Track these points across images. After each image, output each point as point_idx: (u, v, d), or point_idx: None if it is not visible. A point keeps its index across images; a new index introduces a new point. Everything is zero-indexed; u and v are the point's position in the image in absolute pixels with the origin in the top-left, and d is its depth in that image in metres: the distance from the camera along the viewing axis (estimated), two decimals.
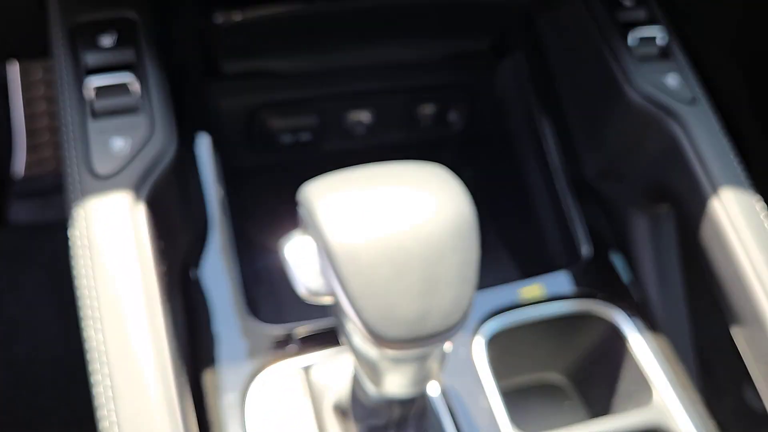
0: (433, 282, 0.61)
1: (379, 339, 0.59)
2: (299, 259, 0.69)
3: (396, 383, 0.70)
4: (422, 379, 0.71)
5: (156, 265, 0.82)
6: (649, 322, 1.10)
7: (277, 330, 0.98)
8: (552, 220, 1.23)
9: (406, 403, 0.77)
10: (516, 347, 1.09)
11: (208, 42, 1.09)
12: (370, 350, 0.64)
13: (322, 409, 0.91)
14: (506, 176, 1.33)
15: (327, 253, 0.62)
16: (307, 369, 0.94)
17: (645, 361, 1.06)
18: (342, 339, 0.70)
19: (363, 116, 1.28)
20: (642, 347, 1.07)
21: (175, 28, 1.05)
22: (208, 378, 0.92)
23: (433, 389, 0.95)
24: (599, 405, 1.13)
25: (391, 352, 0.63)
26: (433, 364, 0.69)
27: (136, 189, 0.84)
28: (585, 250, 1.16)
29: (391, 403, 0.76)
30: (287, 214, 0.75)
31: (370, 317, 0.60)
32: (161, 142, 0.88)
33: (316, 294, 0.68)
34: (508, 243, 1.38)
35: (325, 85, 1.23)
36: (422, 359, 0.67)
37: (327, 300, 0.67)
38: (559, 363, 1.17)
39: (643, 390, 1.06)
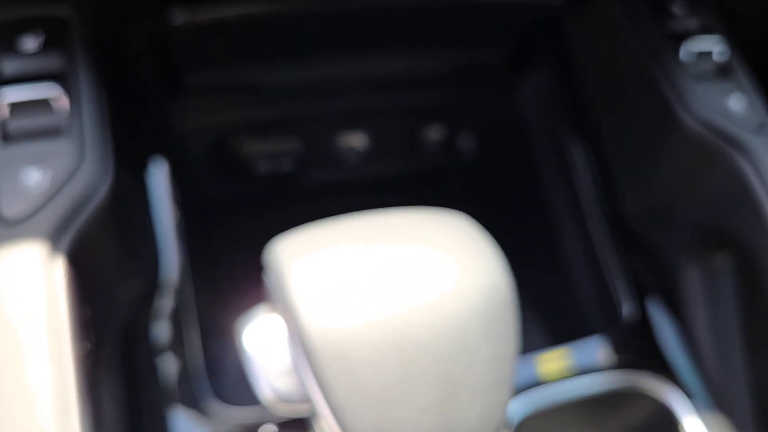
0: (454, 387, 0.44)
1: None
2: (262, 349, 0.49)
3: None
4: None
5: (75, 344, 0.61)
6: (707, 401, 0.91)
7: (246, 413, 0.78)
8: (585, 271, 1.04)
9: None
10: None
11: (167, 48, 0.88)
12: None
13: None
14: (528, 216, 1.16)
15: (302, 343, 0.43)
16: None
17: None
18: None
19: (356, 141, 1.08)
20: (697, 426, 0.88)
21: (125, 31, 0.85)
22: None
23: None
24: None
25: None
26: None
27: (54, 238, 0.64)
28: (626, 309, 0.97)
29: None
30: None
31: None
32: (91, 176, 0.67)
33: (286, 400, 0.49)
34: (531, 300, 1.17)
35: (310, 102, 1.03)
36: None
37: (300, 409, 0.48)
38: None
39: None
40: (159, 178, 0.88)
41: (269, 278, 0.49)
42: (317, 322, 0.44)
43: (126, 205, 0.77)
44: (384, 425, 0.43)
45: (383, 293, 0.45)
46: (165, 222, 0.86)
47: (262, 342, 0.50)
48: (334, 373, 0.43)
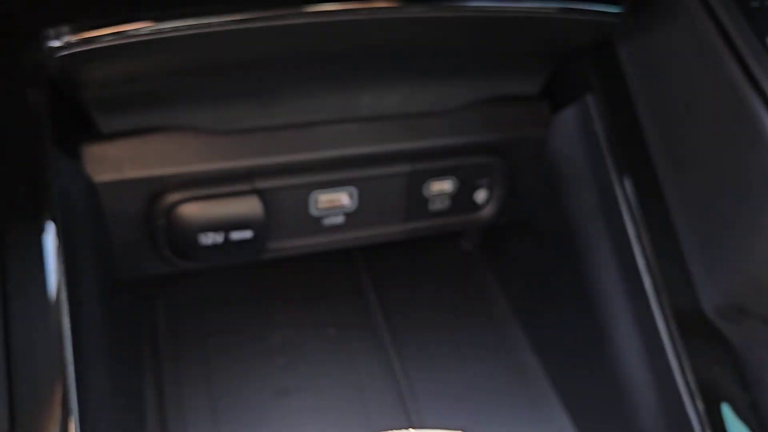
0: None
1: None
2: None
3: None
4: None
5: None
6: None
7: None
8: (640, 368, 0.77)
9: None
10: None
11: (55, 83, 0.61)
12: None
13: None
14: (564, 292, 0.86)
15: None
16: None
17: None
18: None
19: (339, 199, 0.80)
20: None
21: None
22: None
23: None
24: None
25: None
26: None
27: None
28: (694, 415, 0.69)
29: None
30: None
31: None
32: None
33: None
34: (571, 400, 0.91)
35: (274, 147, 0.76)
36: None
37: None
38: None
39: None
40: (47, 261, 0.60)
41: None
42: None
43: None
44: None
45: None
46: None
47: None
48: None
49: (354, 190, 0.81)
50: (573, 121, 0.83)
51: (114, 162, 0.71)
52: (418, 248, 1.16)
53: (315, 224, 0.81)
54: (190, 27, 0.56)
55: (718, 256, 0.71)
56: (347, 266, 1.10)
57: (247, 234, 0.76)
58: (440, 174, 0.83)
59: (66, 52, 0.54)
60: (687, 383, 0.71)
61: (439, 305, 1.06)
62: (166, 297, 1.00)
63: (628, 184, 0.77)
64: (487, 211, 0.89)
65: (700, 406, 0.71)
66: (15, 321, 0.53)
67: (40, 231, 0.57)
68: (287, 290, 1.04)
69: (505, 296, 1.07)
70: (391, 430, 0.39)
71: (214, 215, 0.74)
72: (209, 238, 0.75)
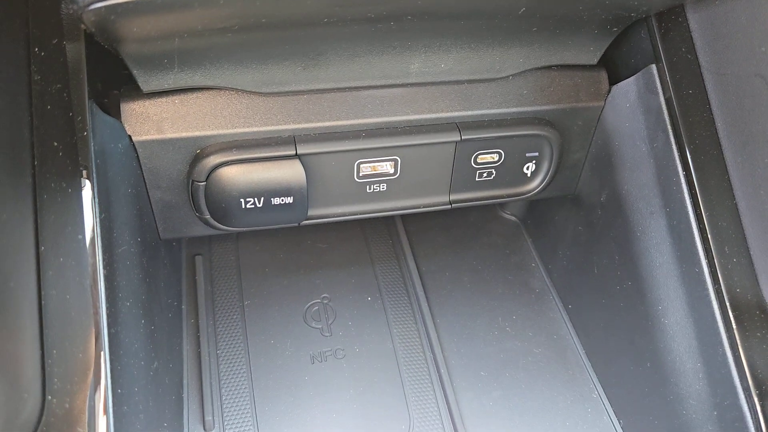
0: None
1: None
2: None
3: None
4: None
5: None
6: None
7: None
8: (690, 356, 0.74)
9: None
10: None
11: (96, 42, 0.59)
12: None
13: None
14: (610, 272, 0.83)
15: None
16: None
17: None
18: None
19: (382, 166, 0.78)
20: None
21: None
22: None
23: None
24: None
25: None
26: None
27: None
28: (747, 409, 0.66)
29: None
30: None
31: None
32: None
33: None
34: (610, 383, 0.88)
35: (317, 112, 0.73)
36: None
37: None
38: None
39: None
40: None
41: None
42: None
43: None
44: None
45: None
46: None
47: None
48: None
49: (399, 157, 0.78)
50: (633, 93, 0.78)
51: (154, 121, 0.69)
52: (459, 217, 1.13)
53: (357, 191, 0.78)
54: None
55: None
56: (387, 233, 1.08)
57: (288, 199, 0.74)
58: (488, 145, 0.79)
59: (100, 5, 0.51)
60: (742, 375, 0.68)
61: (478, 275, 1.04)
62: (206, 257, 1.00)
63: (689, 162, 0.73)
64: (535, 184, 0.85)
65: (756, 399, 0.67)
66: (49, 279, 0.52)
67: (77, 188, 0.56)
68: (326, 255, 1.02)
69: (546, 271, 1.04)
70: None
71: (255, 179, 0.72)
72: (250, 202, 0.73)
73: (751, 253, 0.70)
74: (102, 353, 0.54)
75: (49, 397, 0.50)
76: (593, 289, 0.91)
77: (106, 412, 0.53)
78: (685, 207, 0.73)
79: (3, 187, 0.50)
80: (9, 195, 0.50)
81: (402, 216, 1.08)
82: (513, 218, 1.13)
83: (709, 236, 0.71)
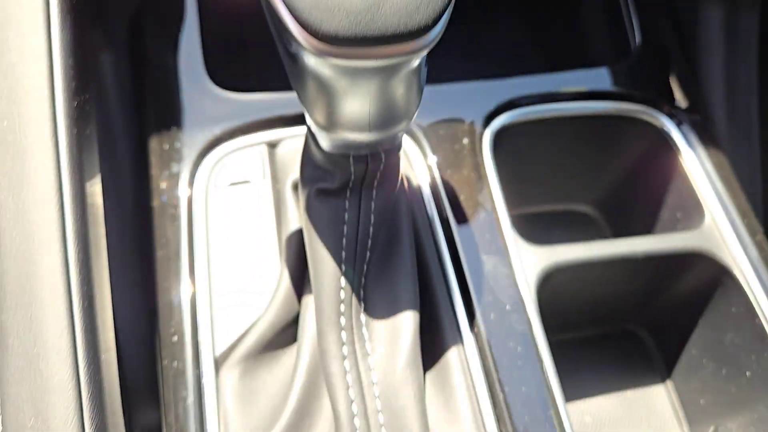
0: None
1: (312, 33, 0.42)
2: None
3: (348, 114, 0.51)
4: (385, 113, 0.52)
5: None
6: (709, 132, 0.90)
7: (239, 98, 0.83)
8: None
9: (360, 160, 0.60)
10: (537, 148, 0.91)
11: None
12: (309, 59, 0.46)
13: (283, 189, 0.77)
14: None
15: None
16: (270, 145, 0.81)
17: (698, 178, 0.88)
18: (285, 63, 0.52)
19: None
20: (696, 162, 0.89)
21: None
22: (154, 145, 0.79)
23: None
24: (637, 228, 0.96)
25: (333, 59, 0.44)
26: (398, 91, 0.49)
27: None
28: (635, 41, 0.94)
29: (343, 158, 0.60)
30: None
31: (300, 2, 0.42)
32: None
33: None
34: (539, 30, 1.12)
35: None
36: (381, 77, 0.47)
37: None
38: (592, 186, 0.98)
39: (691, 212, 0.88)
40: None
41: None
42: None
43: None
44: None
45: None
46: None
47: None
48: None
49: None
50: None
51: None
52: None
53: None
54: None
55: None
56: None
57: None
58: None
59: None
60: (628, 11, 0.95)
61: None
62: None
63: None
64: None
65: (638, 24, 0.95)
66: None
67: None
68: None
69: None
70: None
71: None
72: None
73: None
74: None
75: None
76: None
77: None
78: None
79: None
80: None
81: None
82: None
83: None
